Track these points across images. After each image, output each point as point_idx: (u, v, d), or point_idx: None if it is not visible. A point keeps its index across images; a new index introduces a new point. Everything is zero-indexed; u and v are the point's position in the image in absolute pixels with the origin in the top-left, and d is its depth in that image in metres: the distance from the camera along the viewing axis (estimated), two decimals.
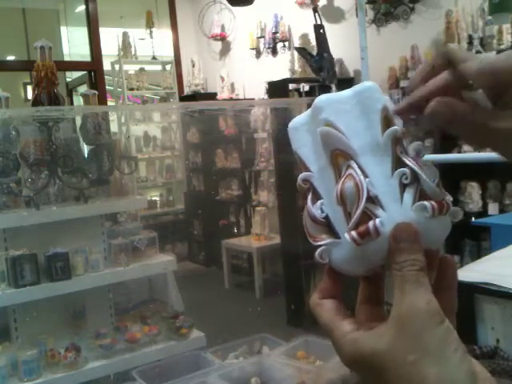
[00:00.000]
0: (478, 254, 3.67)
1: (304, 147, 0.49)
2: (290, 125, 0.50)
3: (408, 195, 0.44)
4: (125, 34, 6.79)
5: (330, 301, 0.47)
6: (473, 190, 3.76)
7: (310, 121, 0.48)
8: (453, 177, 3.79)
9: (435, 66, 0.46)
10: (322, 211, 0.46)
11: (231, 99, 6.41)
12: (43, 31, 7.07)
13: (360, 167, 0.44)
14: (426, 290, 0.40)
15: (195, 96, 6.72)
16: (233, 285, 5.74)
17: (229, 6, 5.77)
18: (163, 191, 7.28)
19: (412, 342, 0.39)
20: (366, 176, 0.44)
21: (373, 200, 0.43)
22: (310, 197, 0.48)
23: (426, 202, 0.43)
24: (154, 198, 7.07)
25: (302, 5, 5.47)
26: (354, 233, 0.43)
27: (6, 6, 6.74)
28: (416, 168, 0.44)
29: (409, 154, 0.45)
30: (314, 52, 5.83)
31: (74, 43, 7.28)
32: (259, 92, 5.90)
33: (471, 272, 1.50)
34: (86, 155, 2.61)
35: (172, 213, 7.09)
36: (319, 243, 0.46)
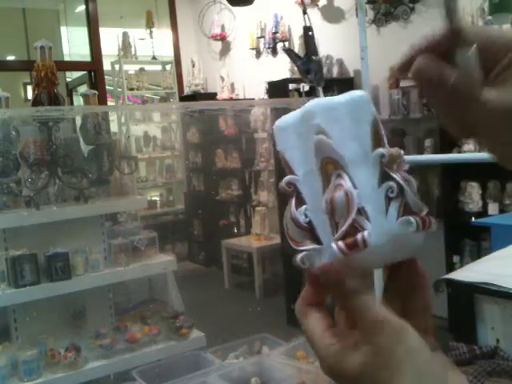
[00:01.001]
0: (478, 254, 3.67)
1: (291, 149, 0.49)
2: (277, 124, 0.49)
3: (392, 209, 0.44)
4: (125, 34, 6.78)
5: (313, 308, 0.46)
6: (473, 190, 3.76)
7: (299, 123, 0.48)
8: (453, 177, 3.80)
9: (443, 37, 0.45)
10: (306, 216, 0.47)
11: (231, 99, 6.41)
12: (43, 31, 7.06)
13: (350, 178, 0.44)
14: (382, 309, 0.42)
15: (195, 96, 6.72)
16: (233, 285, 5.73)
17: (229, 5, 5.77)
18: (163, 191, 7.28)
19: (384, 358, 0.41)
20: (355, 187, 0.44)
21: (360, 211, 0.44)
22: (293, 200, 0.48)
23: (411, 218, 0.44)
24: (154, 198, 7.07)
25: (301, 5, 5.47)
26: (341, 243, 0.43)
27: (6, 6, 6.73)
28: (402, 182, 0.45)
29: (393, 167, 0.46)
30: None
31: (74, 43, 7.27)
32: (259, 92, 5.89)
33: (471, 272, 1.50)
34: (85, 155, 2.60)
35: (172, 213, 7.09)
36: (302, 248, 0.46)
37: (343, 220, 0.44)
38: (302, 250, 0.45)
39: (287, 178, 0.48)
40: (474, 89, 0.42)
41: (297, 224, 0.47)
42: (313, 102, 0.47)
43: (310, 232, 0.47)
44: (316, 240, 0.46)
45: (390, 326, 0.41)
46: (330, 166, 0.45)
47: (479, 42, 0.42)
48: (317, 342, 0.45)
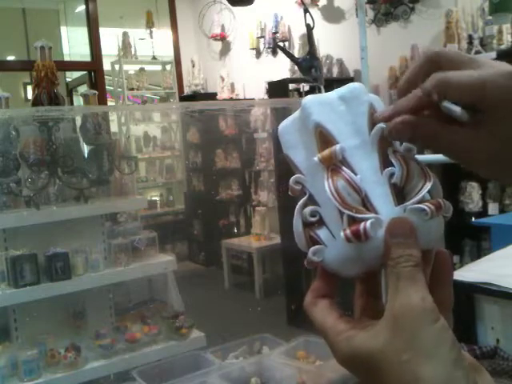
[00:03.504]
0: (477, 254, 3.67)
1: (294, 149, 0.48)
2: (280, 127, 0.49)
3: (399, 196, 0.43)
4: (125, 34, 6.79)
5: (323, 300, 0.46)
6: (473, 190, 3.76)
7: (298, 122, 0.48)
8: (453, 177, 3.79)
9: (422, 70, 0.44)
10: (315, 214, 0.46)
11: (231, 99, 6.41)
12: (43, 31, 7.06)
13: (350, 166, 0.44)
14: (421, 287, 0.39)
15: (195, 96, 6.72)
16: (233, 285, 5.74)
17: (229, 5, 5.76)
18: (163, 191, 7.28)
19: (406, 340, 0.38)
20: (356, 174, 0.43)
21: (364, 200, 0.43)
22: (303, 199, 0.47)
23: (422, 205, 0.42)
24: (153, 198, 7.07)
25: (301, 5, 5.47)
26: (347, 232, 0.42)
27: (6, 6, 6.74)
28: (405, 167, 0.43)
29: (398, 153, 0.45)
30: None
31: (73, 43, 7.27)
32: (259, 92, 5.89)
33: (471, 272, 1.50)
34: (86, 155, 2.60)
35: (172, 213, 7.09)
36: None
37: (348, 209, 0.42)
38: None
39: (294, 177, 0.47)
40: (450, 142, 0.44)
41: (306, 222, 0.46)
42: (309, 99, 0.46)
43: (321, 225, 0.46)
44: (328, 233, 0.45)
45: (421, 309, 0.39)
46: (330, 159, 0.45)
47: (475, 97, 0.41)
48: (329, 329, 0.43)
